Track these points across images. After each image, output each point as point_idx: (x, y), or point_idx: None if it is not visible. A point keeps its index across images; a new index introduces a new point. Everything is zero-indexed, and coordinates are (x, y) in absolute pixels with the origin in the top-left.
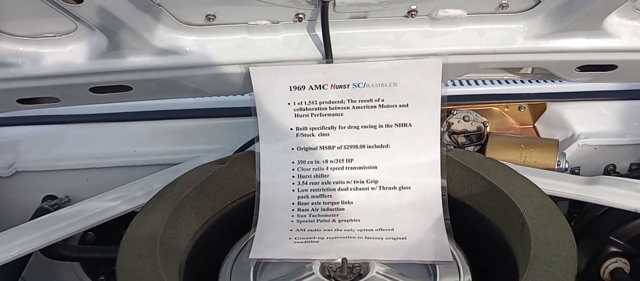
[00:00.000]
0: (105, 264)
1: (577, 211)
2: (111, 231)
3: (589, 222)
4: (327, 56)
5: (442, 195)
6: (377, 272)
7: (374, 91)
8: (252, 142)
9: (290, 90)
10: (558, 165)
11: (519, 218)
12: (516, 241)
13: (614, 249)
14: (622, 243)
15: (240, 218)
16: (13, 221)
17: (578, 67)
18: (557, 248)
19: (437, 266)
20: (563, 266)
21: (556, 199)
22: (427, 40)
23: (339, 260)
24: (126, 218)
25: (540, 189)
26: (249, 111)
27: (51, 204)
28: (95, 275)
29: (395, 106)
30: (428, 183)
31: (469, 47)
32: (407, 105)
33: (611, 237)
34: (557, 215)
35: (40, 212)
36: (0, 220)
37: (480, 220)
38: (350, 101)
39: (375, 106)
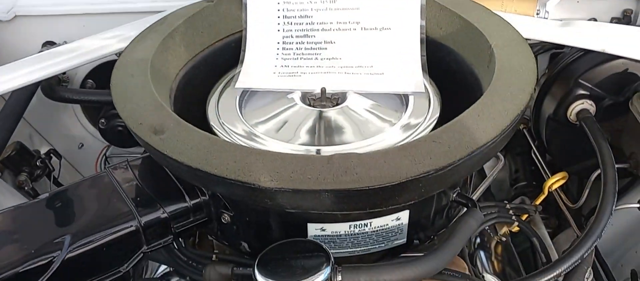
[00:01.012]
0: (105, 107)
1: None
2: (109, 80)
3: (561, 68)
4: None
5: (420, 34)
6: (353, 100)
7: None
8: None
9: None
10: (537, 14)
11: (488, 50)
12: (484, 71)
13: (581, 92)
14: (590, 86)
15: (228, 55)
16: None
17: None
18: (519, 73)
19: (410, 96)
20: (521, 87)
21: (534, 50)
22: None
23: (319, 91)
24: None
25: (511, 25)
26: None
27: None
28: (96, 119)
29: None
30: (408, 24)
31: None
32: None
33: (580, 80)
34: (524, 47)
35: None
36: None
37: (455, 57)
38: None
39: None
